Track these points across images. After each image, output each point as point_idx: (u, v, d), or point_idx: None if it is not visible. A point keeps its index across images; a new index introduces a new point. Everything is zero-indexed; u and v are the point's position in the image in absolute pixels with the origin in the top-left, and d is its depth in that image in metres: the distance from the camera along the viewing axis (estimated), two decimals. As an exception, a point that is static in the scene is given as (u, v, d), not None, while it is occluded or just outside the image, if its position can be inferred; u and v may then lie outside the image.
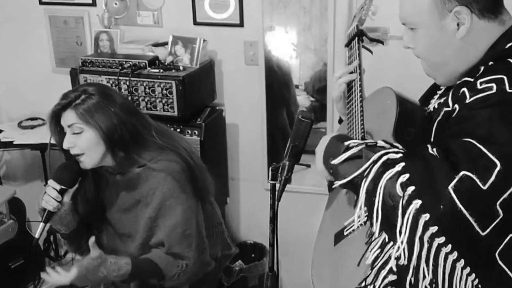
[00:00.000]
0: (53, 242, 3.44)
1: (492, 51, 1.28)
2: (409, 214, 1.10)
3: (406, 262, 1.14)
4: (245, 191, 3.18)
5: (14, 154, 3.54)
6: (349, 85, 1.67)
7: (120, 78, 2.68)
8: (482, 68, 1.26)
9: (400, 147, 1.24)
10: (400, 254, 1.13)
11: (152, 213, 1.91)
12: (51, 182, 1.88)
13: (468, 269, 1.12)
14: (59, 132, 1.90)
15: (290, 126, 3.03)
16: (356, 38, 1.70)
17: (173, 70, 2.71)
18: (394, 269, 1.22)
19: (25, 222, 3.19)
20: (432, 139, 1.31)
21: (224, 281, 2.59)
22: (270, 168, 1.46)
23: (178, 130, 2.70)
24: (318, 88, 2.93)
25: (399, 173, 1.13)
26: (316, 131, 2.89)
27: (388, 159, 1.18)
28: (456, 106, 1.23)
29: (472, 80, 1.25)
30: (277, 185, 1.43)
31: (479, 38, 1.28)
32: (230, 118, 3.05)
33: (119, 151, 1.88)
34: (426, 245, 1.10)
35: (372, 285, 1.28)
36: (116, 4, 3.02)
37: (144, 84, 2.68)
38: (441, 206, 1.08)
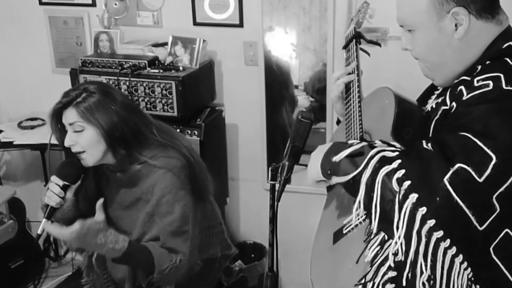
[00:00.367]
0: (53, 242, 3.44)
1: (489, 50, 1.29)
2: (406, 208, 1.11)
3: (403, 258, 1.14)
4: (245, 191, 3.19)
5: (14, 154, 3.54)
6: (347, 86, 1.68)
7: (120, 78, 2.68)
8: (479, 67, 1.27)
9: (398, 146, 1.25)
10: (398, 250, 1.14)
11: (149, 208, 1.91)
12: (54, 178, 1.89)
13: (465, 264, 1.13)
14: (60, 130, 1.91)
15: (290, 126, 3.03)
16: (354, 40, 1.71)
17: (172, 71, 2.71)
18: (392, 265, 1.22)
19: (25, 222, 3.20)
20: (429, 138, 1.32)
21: (224, 281, 2.59)
22: (270, 168, 1.46)
23: (178, 130, 2.70)
24: (318, 89, 2.93)
25: (395, 170, 1.14)
26: (315, 131, 2.90)
27: (384, 156, 1.19)
28: (454, 104, 1.24)
29: (469, 78, 1.26)
30: (277, 185, 1.44)
31: (477, 38, 1.29)
32: (230, 118, 3.05)
33: (120, 148, 1.89)
34: (424, 240, 1.11)
35: (371, 282, 1.28)
36: (116, 4, 3.02)
37: (144, 85, 2.68)
38: (437, 199, 1.09)
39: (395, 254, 1.17)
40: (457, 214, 1.09)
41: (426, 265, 1.13)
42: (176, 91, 2.64)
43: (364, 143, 1.25)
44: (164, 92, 2.66)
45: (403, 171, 1.13)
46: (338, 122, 1.84)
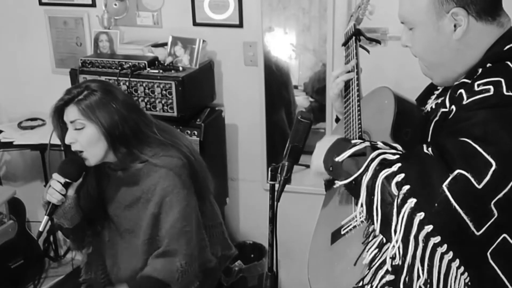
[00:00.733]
0: (53, 242, 3.44)
1: (490, 53, 1.28)
2: (404, 212, 1.11)
3: (400, 262, 1.14)
4: (245, 191, 3.19)
5: (14, 155, 3.54)
6: (347, 84, 1.67)
7: (120, 78, 2.68)
8: (480, 70, 1.26)
9: (399, 148, 1.25)
10: (395, 254, 1.14)
11: (154, 209, 1.92)
12: (55, 175, 1.89)
13: (462, 269, 1.13)
14: (61, 127, 1.92)
15: (289, 126, 3.03)
16: (354, 37, 1.70)
17: (172, 71, 2.72)
18: (390, 269, 1.22)
19: (25, 222, 3.19)
20: (429, 140, 1.32)
21: (224, 281, 2.59)
22: (270, 169, 1.46)
23: (178, 130, 2.70)
24: (317, 89, 2.93)
25: (394, 173, 1.14)
26: (315, 131, 2.90)
27: (385, 159, 1.18)
28: (453, 107, 1.24)
29: (469, 81, 1.25)
30: (276, 186, 1.44)
31: (476, 40, 1.28)
32: (230, 118, 3.05)
33: (121, 147, 1.89)
34: (421, 245, 1.10)
35: (369, 285, 1.28)
36: (115, 5, 3.02)
37: (144, 85, 2.68)
38: (436, 205, 1.09)
39: (393, 258, 1.17)
40: (454, 220, 1.08)
41: (423, 270, 1.12)
42: (176, 91, 2.64)
43: (367, 144, 1.24)
44: (164, 92, 2.66)
45: (402, 175, 1.13)
46: (337, 119, 1.83)
